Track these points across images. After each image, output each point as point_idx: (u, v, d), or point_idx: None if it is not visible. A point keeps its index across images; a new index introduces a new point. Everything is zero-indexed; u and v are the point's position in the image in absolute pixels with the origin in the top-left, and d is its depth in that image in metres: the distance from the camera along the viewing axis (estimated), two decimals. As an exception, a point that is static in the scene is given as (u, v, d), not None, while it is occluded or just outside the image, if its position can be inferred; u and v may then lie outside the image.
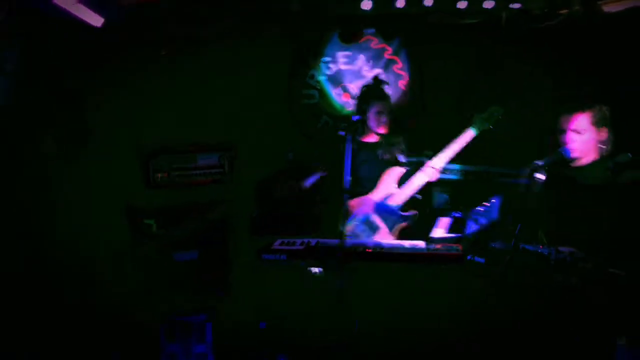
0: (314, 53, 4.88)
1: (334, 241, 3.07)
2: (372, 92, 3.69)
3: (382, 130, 3.62)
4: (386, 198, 3.54)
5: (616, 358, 2.52)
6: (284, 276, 3.16)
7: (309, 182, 3.97)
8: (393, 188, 3.55)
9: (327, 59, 4.90)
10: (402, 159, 3.61)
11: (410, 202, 3.56)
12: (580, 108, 2.90)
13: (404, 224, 3.53)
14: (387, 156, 3.64)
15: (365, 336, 2.95)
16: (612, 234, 2.64)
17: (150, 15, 3.68)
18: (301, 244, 3.10)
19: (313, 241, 3.14)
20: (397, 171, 3.59)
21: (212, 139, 4.16)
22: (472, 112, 3.58)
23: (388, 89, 3.82)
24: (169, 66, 4.16)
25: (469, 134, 3.43)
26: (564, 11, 4.42)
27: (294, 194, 3.93)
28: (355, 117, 3.26)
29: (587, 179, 2.91)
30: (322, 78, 4.92)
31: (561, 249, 2.61)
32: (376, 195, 3.57)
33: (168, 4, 3.69)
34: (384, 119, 3.59)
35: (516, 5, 4.08)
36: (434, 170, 3.45)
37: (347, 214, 3.50)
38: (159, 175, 3.98)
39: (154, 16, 3.71)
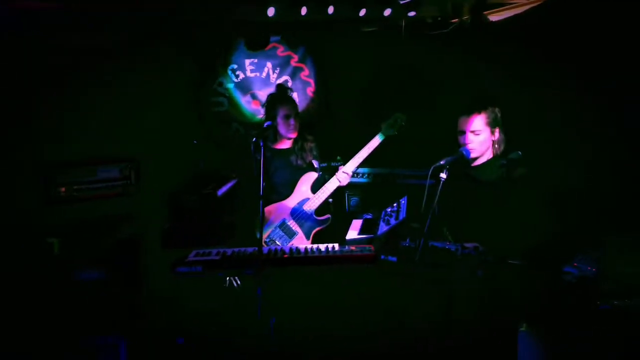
0: (221, 61, 4.84)
1: (251, 249, 3.06)
2: (277, 97, 3.74)
3: (293, 134, 3.67)
4: (301, 203, 3.60)
5: (517, 344, 2.75)
6: (201, 288, 3.10)
7: (222, 190, 3.92)
8: (308, 193, 3.62)
9: (234, 66, 4.88)
10: (315, 164, 3.68)
11: (325, 207, 3.64)
12: (475, 110, 3.09)
13: (319, 228, 3.60)
14: (300, 162, 3.69)
15: (284, 341, 2.96)
16: (509, 227, 2.85)
17: (48, 23, 3.46)
18: (217, 254, 3.05)
19: (229, 250, 3.10)
20: (311, 177, 3.66)
21: (116, 152, 3.98)
22: (378, 117, 3.73)
23: (294, 95, 3.87)
24: (71, 79, 3.93)
25: (376, 140, 3.57)
26: (455, 20, 4.73)
27: (207, 204, 3.86)
28: (267, 123, 3.28)
29: (485, 177, 3.12)
30: (230, 86, 4.89)
31: (466, 244, 2.78)
32: (291, 201, 3.62)
33: (63, 12, 3.49)
34: (292, 122, 3.63)
35: (412, 14, 4.30)
36: (346, 174, 3.57)
37: (263, 221, 3.55)
38: (59, 190, 3.74)
39: (52, 24, 3.50)
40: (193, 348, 3.11)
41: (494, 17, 4.91)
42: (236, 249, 3.11)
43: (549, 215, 2.90)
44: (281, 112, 3.62)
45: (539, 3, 4.51)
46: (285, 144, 3.73)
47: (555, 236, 2.88)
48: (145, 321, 3.42)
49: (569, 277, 2.61)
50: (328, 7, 4.03)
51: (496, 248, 2.75)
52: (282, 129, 3.64)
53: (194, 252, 3.10)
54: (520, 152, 2.86)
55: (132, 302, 3.52)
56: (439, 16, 4.87)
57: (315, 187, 3.64)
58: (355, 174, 4.25)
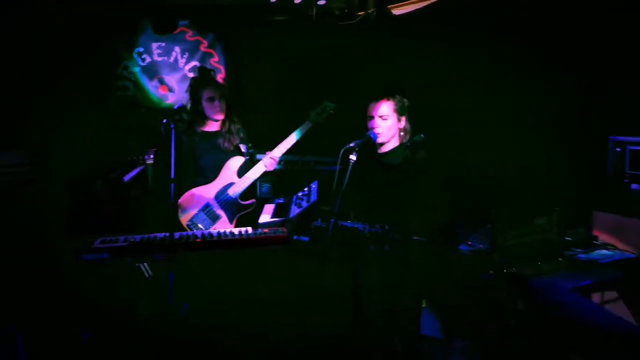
0: (126, 43, 4.66)
1: (162, 235, 3.00)
2: (200, 80, 3.66)
3: (219, 116, 3.63)
4: (226, 187, 3.58)
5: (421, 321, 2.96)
6: (108, 275, 3.00)
7: (129, 176, 3.79)
8: (233, 177, 3.61)
9: (141, 49, 4.72)
10: (243, 148, 3.67)
11: (249, 191, 3.65)
12: (384, 96, 3.24)
13: (244, 212, 3.60)
14: (227, 145, 3.66)
15: (197, 327, 2.95)
16: (412, 206, 3.03)
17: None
18: (124, 240, 2.96)
19: (138, 237, 3.01)
20: (238, 161, 3.65)
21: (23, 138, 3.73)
22: (292, 104, 3.78)
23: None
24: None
25: (304, 127, 3.62)
26: (361, 13, 4.90)
27: (114, 190, 3.72)
28: (178, 105, 3.21)
29: (392, 161, 3.28)
30: (136, 69, 4.72)
31: (375, 224, 2.92)
32: (217, 184, 3.59)
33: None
34: (217, 104, 3.59)
35: (322, 2, 4.39)
36: (272, 160, 3.59)
37: (181, 205, 3.48)
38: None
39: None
40: (102, 338, 3.00)
41: (397, 11, 5.14)
42: (146, 235, 3.03)
43: (449, 198, 3.12)
44: (205, 95, 3.57)
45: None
46: (213, 127, 3.68)
47: (455, 216, 3.11)
48: (49, 313, 3.25)
49: (465, 253, 2.85)
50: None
51: (402, 227, 2.92)
52: (208, 111, 3.59)
53: (99, 240, 2.99)
54: (422, 135, 3.05)
55: (33, 292, 3.32)
56: (346, 8, 5.02)
57: (242, 172, 3.63)
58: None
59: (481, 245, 2.87)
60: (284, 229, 3.15)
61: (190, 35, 4.84)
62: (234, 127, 3.69)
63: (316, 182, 3.57)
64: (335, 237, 2.88)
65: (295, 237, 3.11)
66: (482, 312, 2.70)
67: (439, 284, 2.93)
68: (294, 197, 3.54)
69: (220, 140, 3.64)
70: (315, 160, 4.52)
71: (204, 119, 3.63)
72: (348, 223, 3.12)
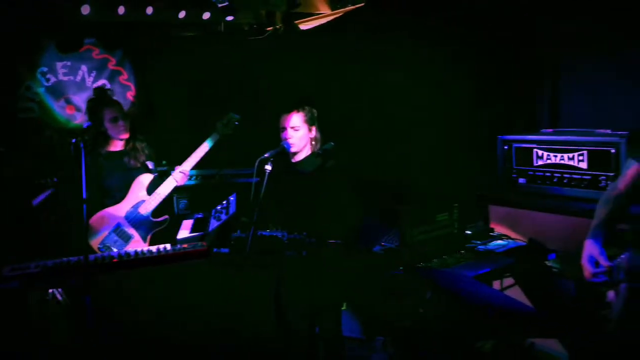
0: (28, 63, 4.48)
1: (75, 258, 2.93)
2: (99, 101, 3.61)
3: (124, 136, 3.59)
4: (137, 206, 3.53)
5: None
6: (18, 305, 2.88)
7: (38, 200, 3.65)
8: (143, 195, 3.57)
9: (45, 69, 4.56)
10: (150, 165, 3.64)
11: (161, 208, 3.62)
12: (294, 108, 3.36)
13: (157, 230, 3.57)
14: (133, 163, 3.61)
15: (119, 348, 2.91)
16: (326, 211, 3.17)
17: None
18: (36, 267, 2.86)
19: (50, 262, 2.92)
20: (146, 178, 3.61)
21: None
22: (205, 119, 3.81)
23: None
24: None
25: (211, 140, 3.64)
26: (270, 28, 5.02)
27: (21, 214, 3.56)
28: (87, 124, 3.16)
29: (304, 168, 3.40)
30: (40, 90, 4.55)
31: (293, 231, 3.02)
32: (126, 204, 3.53)
33: None
34: (121, 123, 3.55)
35: (230, 18, 4.47)
36: (182, 174, 3.59)
37: (87, 227, 3.40)
38: None
39: None
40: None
41: (304, 26, 5.32)
42: (59, 260, 2.95)
43: (361, 201, 3.29)
44: (107, 115, 3.52)
45: (341, 14, 5.03)
46: (117, 146, 3.62)
47: (369, 218, 3.28)
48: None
49: (379, 252, 3.02)
50: (147, 7, 4.00)
51: (318, 231, 3.05)
52: (111, 131, 3.54)
53: (9, 267, 2.87)
54: (332, 143, 3.20)
55: None
56: (255, 23, 5.13)
57: (151, 189, 3.60)
58: (190, 175, 4.26)
59: (392, 245, 3.06)
60: (204, 243, 3.18)
61: (97, 54, 4.74)
62: (139, 145, 3.66)
63: (234, 194, 3.62)
64: (255, 247, 2.95)
65: (215, 249, 3.14)
66: (396, 308, 2.88)
67: (355, 284, 3.08)
68: (213, 210, 3.57)
69: (126, 159, 3.60)
70: (233, 172, 4.57)
71: (107, 139, 3.58)
72: (267, 232, 3.20)
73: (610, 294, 2.06)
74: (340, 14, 5.05)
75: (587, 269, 2.10)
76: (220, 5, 4.25)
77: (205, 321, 3.03)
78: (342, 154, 3.29)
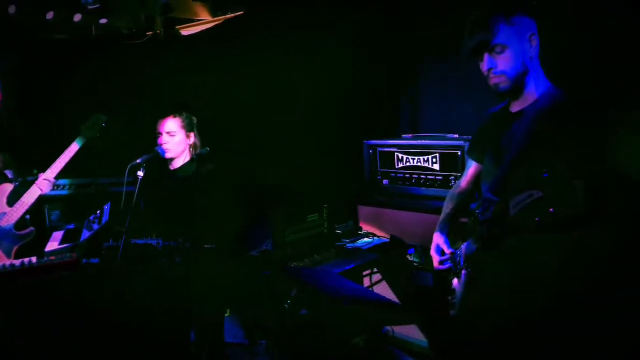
0: None
1: None
2: None
3: None
4: (-4, 219, 3.30)
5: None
6: None
7: None
8: (3, 207, 3.33)
9: None
10: (9, 174, 3.41)
11: (26, 220, 3.41)
12: (171, 113, 3.32)
13: (22, 243, 3.36)
14: None
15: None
16: (204, 216, 3.19)
17: None
18: None
19: None
20: (5, 189, 3.38)
21: None
22: (77, 123, 3.66)
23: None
24: None
25: (75, 144, 3.49)
26: (150, 33, 4.93)
27: None
28: None
29: (182, 175, 3.39)
30: None
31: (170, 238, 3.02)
32: (-16, 218, 3.29)
33: None
34: None
35: (103, 21, 4.32)
36: (47, 181, 3.39)
37: None
38: None
39: None
40: None
41: (185, 32, 5.30)
42: None
43: (239, 205, 3.36)
44: None
45: (221, 21, 5.08)
46: None
47: (249, 222, 3.35)
48: None
49: (254, 255, 3.11)
50: (9, 6, 3.76)
51: (195, 238, 3.07)
52: None
53: None
54: (208, 148, 3.23)
55: None
56: (134, 27, 5.00)
57: (12, 199, 3.37)
58: (55, 185, 4.04)
59: (267, 246, 3.15)
60: (73, 254, 3.06)
61: (-49, 55, 4.36)
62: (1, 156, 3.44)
63: (109, 203, 3.51)
64: (128, 255, 2.90)
65: (84, 260, 3.04)
66: (272, 309, 2.97)
67: (233, 289, 3.13)
68: (86, 221, 3.44)
69: None
70: (110, 181, 4.41)
71: None
72: (141, 240, 3.16)
73: (455, 280, 2.29)
74: (221, 21, 5.11)
75: (434, 258, 2.32)
76: (90, 7, 4.11)
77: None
78: (221, 158, 3.36)
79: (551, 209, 1.56)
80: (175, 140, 3.29)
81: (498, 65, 1.88)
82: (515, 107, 2.03)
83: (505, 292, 1.91)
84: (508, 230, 1.83)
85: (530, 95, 1.96)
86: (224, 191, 3.25)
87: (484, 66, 1.92)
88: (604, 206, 1.71)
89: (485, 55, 1.89)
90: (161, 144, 3.28)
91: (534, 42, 1.89)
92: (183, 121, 3.33)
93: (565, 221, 1.58)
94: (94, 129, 3.54)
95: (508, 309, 1.89)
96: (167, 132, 3.27)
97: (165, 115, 3.31)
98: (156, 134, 3.32)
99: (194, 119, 3.41)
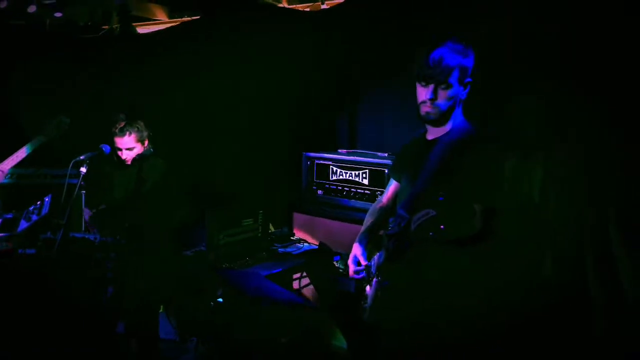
0: None
1: None
2: None
3: None
4: None
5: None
6: None
7: None
8: None
9: None
10: None
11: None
12: (127, 131, 3.36)
13: None
14: None
15: None
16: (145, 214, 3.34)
17: None
18: None
19: None
20: None
21: None
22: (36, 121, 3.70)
23: None
24: None
25: (36, 141, 3.55)
26: (106, 27, 4.99)
27: None
28: None
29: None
30: None
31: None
32: None
33: None
34: None
35: (58, 14, 4.36)
36: (0, 172, 3.45)
37: None
38: None
39: None
40: None
41: (141, 30, 5.38)
42: None
43: (179, 207, 3.49)
44: None
45: (179, 23, 5.20)
46: None
47: (185, 224, 3.48)
48: None
49: (189, 255, 3.24)
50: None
51: (133, 234, 3.18)
52: None
53: None
54: (152, 149, 3.38)
55: None
56: (91, 21, 5.05)
57: None
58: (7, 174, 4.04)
59: (202, 247, 3.29)
60: (9, 243, 3.11)
61: None
62: None
63: (50, 195, 3.56)
64: (65, 249, 2.97)
65: (20, 250, 3.09)
66: (201, 307, 3.10)
67: (166, 286, 3.25)
68: (25, 211, 3.48)
69: None
70: (54, 173, 4.43)
71: None
72: (79, 234, 3.25)
73: (367, 287, 2.50)
74: (178, 23, 5.22)
75: (350, 267, 2.52)
76: (45, 2, 4.15)
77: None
78: (163, 158, 3.49)
79: (442, 226, 1.80)
80: (135, 152, 3.43)
81: (438, 98, 2.07)
82: (431, 135, 2.26)
83: (406, 298, 2.14)
84: (410, 244, 2.05)
85: (447, 126, 2.20)
86: (162, 191, 3.39)
87: (424, 94, 2.08)
88: (493, 227, 1.96)
89: (431, 87, 2.06)
90: (124, 159, 3.40)
91: (467, 87, 2.12)
92: (137, 134, 3.44)
93: (456, 237, 1.82)
94: (57, 130, 3.62)
95: (408, 313, 2.11)
96: (127, 149, 3.40)
97: (122, 133, 3.38)
98: (115, 149, 3.41)
99: (143, 127, 3.47)
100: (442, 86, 2.05)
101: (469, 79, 2.09)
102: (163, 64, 4.54)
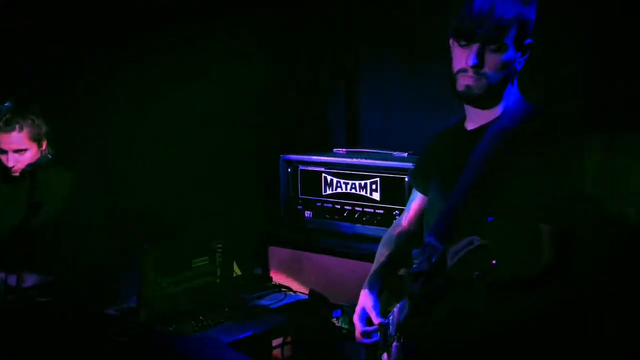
0: None
1: None
2: None
3: None
4: None
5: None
6: None
7: None
8: None
9: None
10: None
11: None
12: (15, 124, 3.38)
13: None
14: None
15: None
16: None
17: None
18: None
19: None
20: None
21: None
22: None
23: None
24: None
25: None
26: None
27: None
28: None
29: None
30: None
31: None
32: None
33: None
34: None
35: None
36: None
37: None
38: None
39: None
40: None
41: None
42: None
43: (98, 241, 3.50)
44: None
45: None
46: None
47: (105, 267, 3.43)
48: None
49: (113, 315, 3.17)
50: None
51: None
52: None
53: None
54: (50, 156, 3.40)
55: None
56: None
57: None
58: None
59: (132, 303, 3.19)
60: None
61: None
62: None
63: None
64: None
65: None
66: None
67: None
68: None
69: None
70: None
71: None
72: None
73: (384, 356, 2.41)
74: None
75: (357, 327, 2.42)
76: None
77: None
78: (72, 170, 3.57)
79: (494, 261, 1.70)
80: (26, 157, 3.41)
81: (485, 64, 2.01)
82: (472, 124, 2.18)
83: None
84: (446, 288, 1.96)
85: (496, 109, 2.12)
86: (69, 221, 3.39)
87: (464, 58, 2.03)
88: (571, 259, 1.88)
89: (476, 47, 2.00)
90: (9, 166, 3.40)
91: (527, 52, 2.06)
92: (32, 131, 3.43)
93: (516, 277, 1.73)
94: None
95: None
96: (15, 151, 3.38)
97: (7, 128, 3.37)
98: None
99: (43, 124, 3.49)
100: (492, 47, 2.00)
101: (529, 40, 2.04)
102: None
